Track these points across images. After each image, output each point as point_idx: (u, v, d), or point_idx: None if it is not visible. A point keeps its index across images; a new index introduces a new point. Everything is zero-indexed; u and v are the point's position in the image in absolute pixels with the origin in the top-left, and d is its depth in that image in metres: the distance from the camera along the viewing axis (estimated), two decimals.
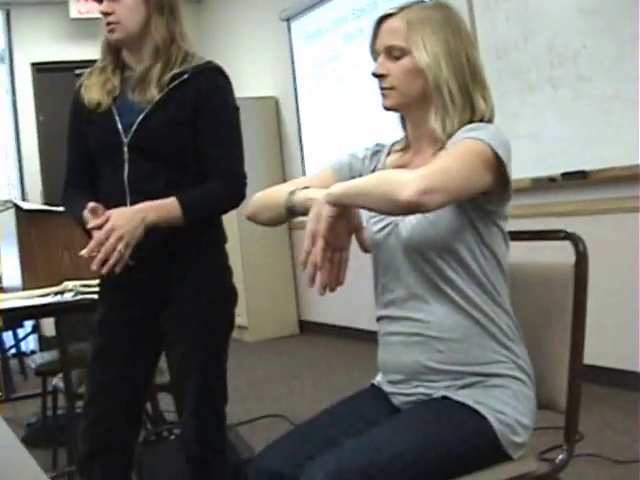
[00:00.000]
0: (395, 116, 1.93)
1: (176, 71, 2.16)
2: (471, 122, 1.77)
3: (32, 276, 3.14)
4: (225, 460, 2.24)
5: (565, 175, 4.20)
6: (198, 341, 2.21)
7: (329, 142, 6.59)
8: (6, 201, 3.54)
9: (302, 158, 7.01)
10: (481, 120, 1.78)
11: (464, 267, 1.75)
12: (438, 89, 1.76)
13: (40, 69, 7.96)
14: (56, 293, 2.95)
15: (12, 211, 3.27)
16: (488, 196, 1.72)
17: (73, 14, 7.80)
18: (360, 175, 1.95)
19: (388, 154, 1.96)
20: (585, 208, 4.17)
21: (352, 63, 6.10)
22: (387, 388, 1.88)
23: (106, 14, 2.14)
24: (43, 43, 7.93)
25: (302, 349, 6.62)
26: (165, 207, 2.12)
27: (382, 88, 1.84)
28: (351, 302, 6.23)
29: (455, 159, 1.63)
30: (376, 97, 1.86)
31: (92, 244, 2.02)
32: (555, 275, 1.90)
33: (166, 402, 3.50)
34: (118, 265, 2.03)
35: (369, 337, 6.16)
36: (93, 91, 2.21)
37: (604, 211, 4.08)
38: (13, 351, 6.17)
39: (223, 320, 2.29)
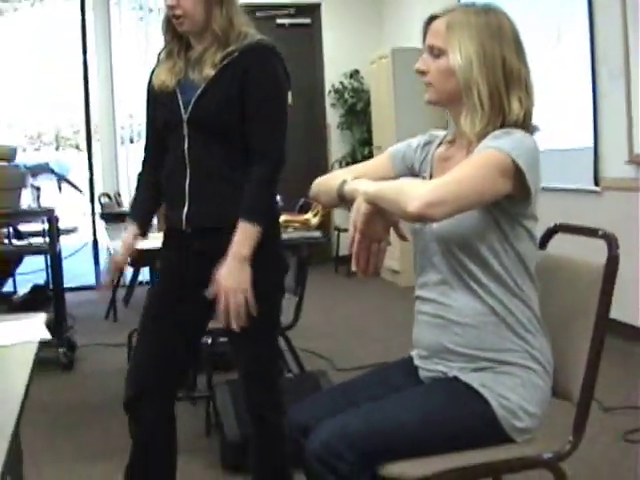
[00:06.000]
0: None
1: (228, 50, 2.29)
2: (502, 126, 1.87)
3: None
4: (282, 419, 2.26)
5: None
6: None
7: None
8: None
9: None
10: (515, 123, 1.87)
11: (485, 263, 1.88)
12: (468, 90, 1.88)
13: None
14: None
15: None
16: (511, 199, 1.83)
17: None
18: (412, 165, 2.11)
19: (439, 144, 2.10)
20: None
21: None
22: (416, 362, 2.05)
23: (171, 7, 2.28)
24: None
25: None
26: (245, 235, 2.25)
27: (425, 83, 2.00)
28: None
29: (470, 170, 1.77)
30: None
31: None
32: (585, 273, 1.99)
33: None
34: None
35: None
36: (162, 75, 2.38)
37: None
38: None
39: (271, 286, 2.41)
